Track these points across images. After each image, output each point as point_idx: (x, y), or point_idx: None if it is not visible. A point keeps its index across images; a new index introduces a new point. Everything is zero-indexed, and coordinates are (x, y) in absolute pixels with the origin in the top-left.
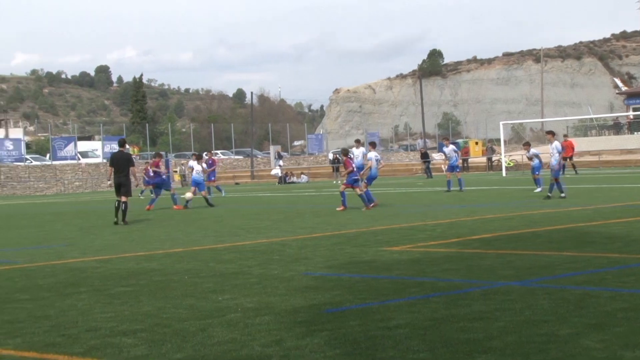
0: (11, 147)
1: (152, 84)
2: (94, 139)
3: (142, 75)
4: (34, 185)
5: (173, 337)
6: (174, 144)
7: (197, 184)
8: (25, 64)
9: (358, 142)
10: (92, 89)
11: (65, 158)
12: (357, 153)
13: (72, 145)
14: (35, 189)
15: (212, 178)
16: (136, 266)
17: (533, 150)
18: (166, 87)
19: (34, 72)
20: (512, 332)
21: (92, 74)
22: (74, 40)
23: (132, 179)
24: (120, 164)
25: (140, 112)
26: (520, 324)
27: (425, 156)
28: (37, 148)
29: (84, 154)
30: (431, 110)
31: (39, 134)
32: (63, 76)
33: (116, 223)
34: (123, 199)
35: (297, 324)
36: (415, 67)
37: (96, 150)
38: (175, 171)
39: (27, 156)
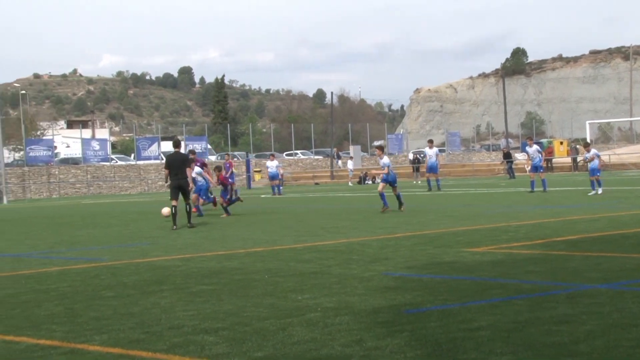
0: (97, 147)
1: (234, 85)
2: None
3: (223, 76)
4: (119, 184)
5: (254, 335)
6: (255, 144)
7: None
8: (111, 65)
9: (431, 142)
10: (175, 90)
11: (149, 158)
12: (430, 153)
13: (155, 145)
14: (120, 188)
15: (231, 181)
16: (217, 265)
17: (594, 151)
18: (247, 87)
19: (119, 73)
20: (599, 336)
21: (175, 75)
22: (158, 42)
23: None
24: (177, 165)
25: (221, 112)
26: (607, 328)
27: (507, 156)
28: (122, 148)
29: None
30: (514, 109)
31: (124, 134)
32: (147, 77)
33: (175, 228)
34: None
35: (377, 324)
36: (498, 66)
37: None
38: (258, 171)
39: (113, 156)
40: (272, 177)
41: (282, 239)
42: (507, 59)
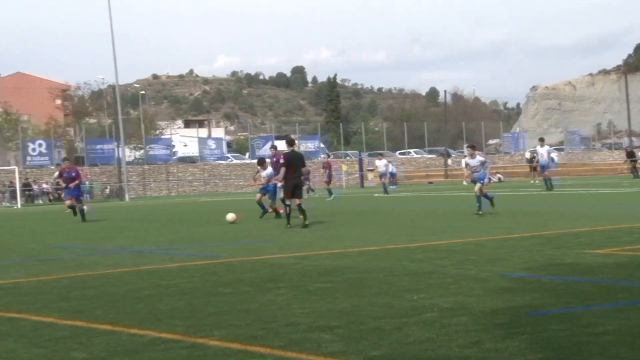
0: (213, 146)
1: (346, 84)
2: None
3: (336, 75)
4: (235, 182)
5: (369, 334)
6: (368, 143)
7: (265, 191)
8: (226, 66)
9: (542, 141)
10: (288, 89)
11: (263, 157)
12: (541, 151)
13: (270, 144)
14: (235, 186)
15: (328, 180)
16: (332, 263)
17: None
18: (359, 86)
19: (234, 74)
20: None
21: (288, 74)
22: (271, 42)
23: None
24: (297, 164)
25: (334, 111)
26: None
27: (631, 155)
28: (238, 147)
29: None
30: (638, 107)
31: (239, 133)
32: (261, 77)
33: (289, 227)
34: (297, 201)
35: (496, 325)
36: (620, 62)
37: None
38: (371, 170)
39: (228, 154)
40: (382, 176)
41: (395, 238)
42: (629, 55)
